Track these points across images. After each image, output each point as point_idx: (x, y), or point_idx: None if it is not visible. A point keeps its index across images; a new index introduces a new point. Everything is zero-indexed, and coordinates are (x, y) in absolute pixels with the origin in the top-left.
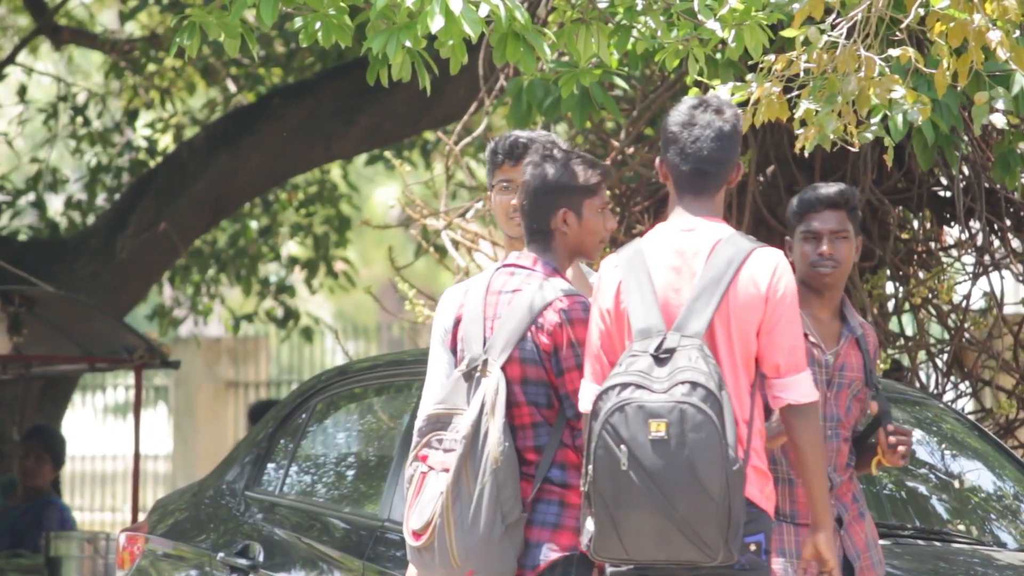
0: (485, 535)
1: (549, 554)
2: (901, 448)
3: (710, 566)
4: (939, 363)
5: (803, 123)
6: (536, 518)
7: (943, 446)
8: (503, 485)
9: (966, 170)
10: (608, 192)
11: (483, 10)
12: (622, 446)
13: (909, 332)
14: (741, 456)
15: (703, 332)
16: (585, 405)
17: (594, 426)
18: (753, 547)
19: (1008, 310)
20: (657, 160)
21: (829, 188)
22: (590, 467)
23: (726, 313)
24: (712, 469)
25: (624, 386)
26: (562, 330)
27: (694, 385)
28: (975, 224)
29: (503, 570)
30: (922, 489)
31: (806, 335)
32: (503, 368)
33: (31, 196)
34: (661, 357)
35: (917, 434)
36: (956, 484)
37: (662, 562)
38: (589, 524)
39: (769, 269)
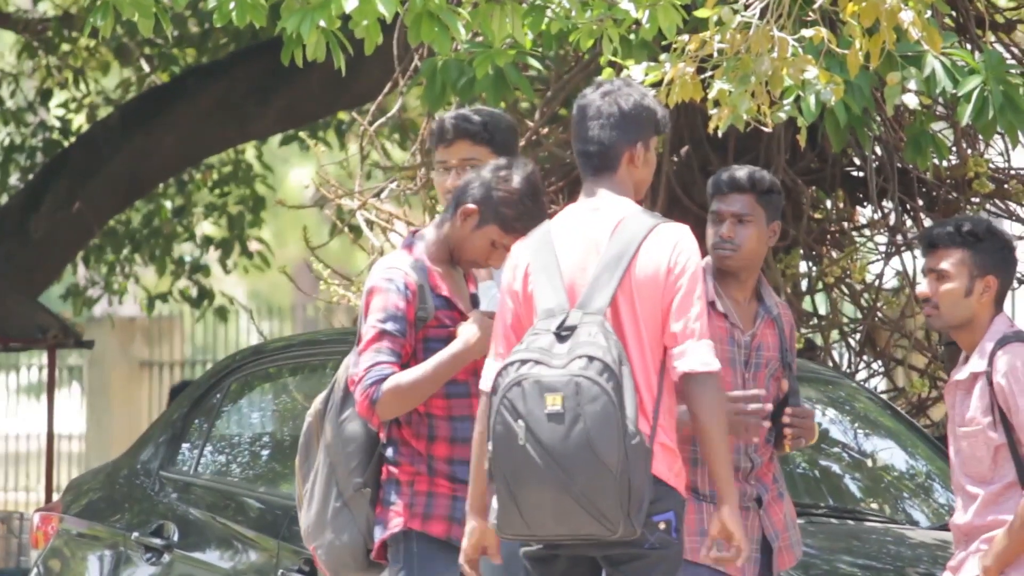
0: (320, 512)
1: (380, 532)
2: (787, 431)
3: (615, 541)
4: (852, 342)
5: (716, 103)
6: (381, 496)
7: (856, 425)
8: (336, 461)
9: (879, 150)
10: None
11: None
12: (519, 421)
13: (822, 311)
14: (646, 431)
15: (604, 308)
16: (486, 384)
17: (493, 401)
18: (663, 525)
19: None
20: None
21: (739, 171)
22: (490, 444)
23: (629, 289)
24: (609, 442)
25: (523, 362)
26: (366, 298)
27: (591, 359)
28: (888, 204)
29: (340, 547)
30: (835, 468)
31: (725, 315)
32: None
33: None
34: (562, 335)
35: (830, 413)
36: (869, 463)
37: (564, 537)
38: (494, 502)
39: (670, 244)
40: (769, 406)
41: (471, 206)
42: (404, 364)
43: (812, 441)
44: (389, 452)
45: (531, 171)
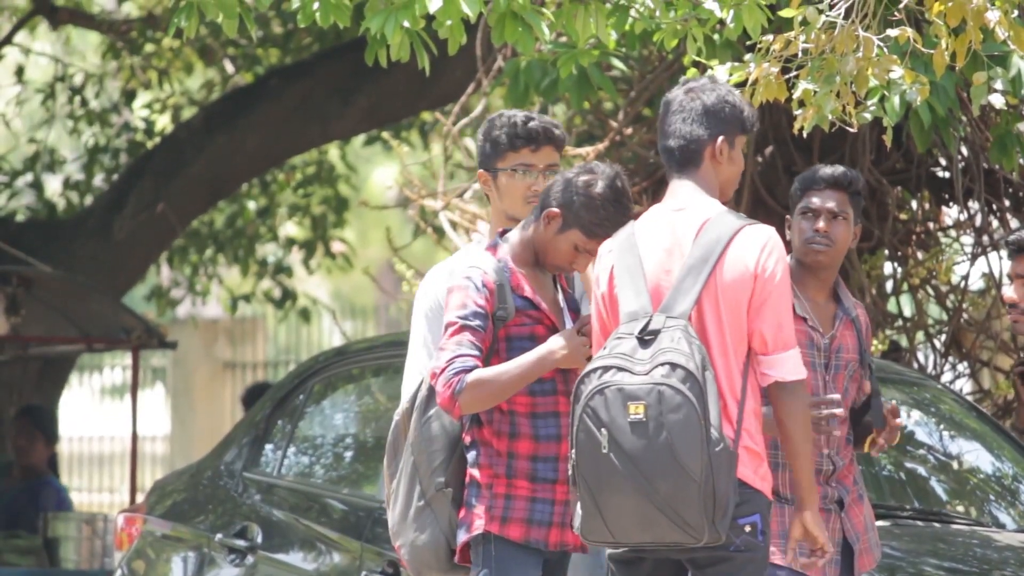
0: (403, 511)
1: (463, 535)
2: (880, 440)
3: (701, 547)
4: (937, 344)
5: (801, 103)
6: (464, 499)
7: (941, 427)
8: (419, 460)
9: (964, 151)
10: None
11: None
12: (602, 429)
13: (907, 313)
14: (730, 435)
15: (688, 313)
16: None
17: (576, 409)
18: (748, 528)
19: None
20: None
21: (836, 168)
22: (573, 451)
23: (714, 292)
24: (692, 450)
25: (606, 369)
26: (446, 297)
27: (674, 366)
28: (974, 205)
29: (422, 546)
30: (921, 470)
31: (804, 318)
32: None
33: (29, 177)
34: (645, 339)
35: (916, 415)
36: (955, 465)
37: (648, 544)
38: (578, 508)
39: (758, 246)
40: (842, 410)
41: (554, 210)
42: (484, 360)
43: (893, 442)
44: (471, 455)
45: (615, 176)
